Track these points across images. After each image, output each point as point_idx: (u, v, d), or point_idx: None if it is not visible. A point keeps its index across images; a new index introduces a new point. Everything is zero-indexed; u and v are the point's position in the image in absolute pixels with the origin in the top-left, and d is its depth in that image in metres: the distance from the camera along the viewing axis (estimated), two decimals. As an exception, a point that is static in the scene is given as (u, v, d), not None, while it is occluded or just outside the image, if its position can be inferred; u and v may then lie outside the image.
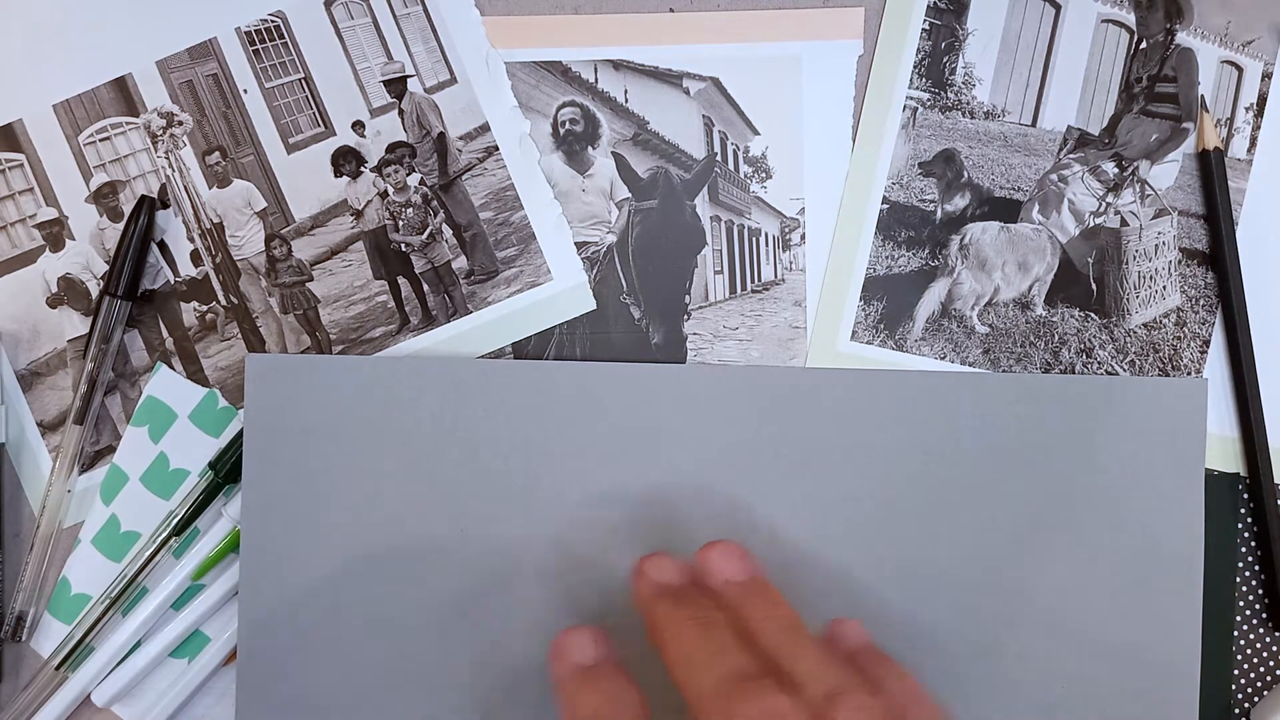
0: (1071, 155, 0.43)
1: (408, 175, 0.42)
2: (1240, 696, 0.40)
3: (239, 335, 0.42)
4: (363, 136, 0.42)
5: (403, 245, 0.42)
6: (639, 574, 0.32)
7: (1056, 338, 0.42)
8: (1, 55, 0.42)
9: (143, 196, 0.41)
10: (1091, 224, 0.42)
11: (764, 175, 0.42)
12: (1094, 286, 0.42)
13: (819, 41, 0.42)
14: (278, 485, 0.39)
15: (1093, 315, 0.42)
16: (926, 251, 0.42)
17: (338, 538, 0.39)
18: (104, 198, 0.42)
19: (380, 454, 0.39)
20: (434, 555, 0.39)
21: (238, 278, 0.42)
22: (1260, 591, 0.40)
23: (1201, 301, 0.42)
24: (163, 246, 0.42)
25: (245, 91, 0.42)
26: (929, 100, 0.43)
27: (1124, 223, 0.42)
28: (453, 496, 0.39)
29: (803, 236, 0.42)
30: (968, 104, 0.43)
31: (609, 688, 0.29)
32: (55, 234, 0.42)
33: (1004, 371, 0.41)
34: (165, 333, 0.42)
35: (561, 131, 0.43)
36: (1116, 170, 0.42)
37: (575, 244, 0.42)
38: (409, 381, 0.39)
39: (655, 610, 0.30)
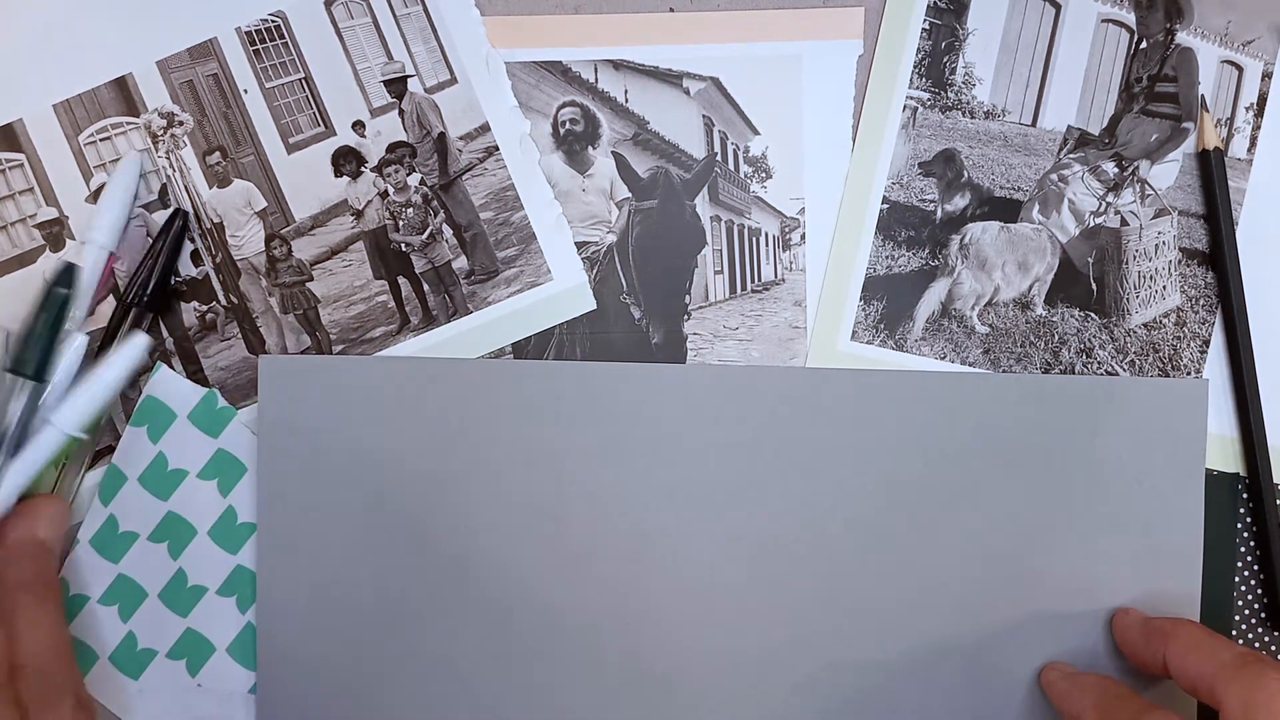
0: (1071, 155, 0.43)
1: (408, 175, 0.42)
2: (1240, 696, 0.40)
3: (239, 335, 0.42)
4: (363, 136, 0.42)
5: (403, 245, 0.42)
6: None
7: (1056, 338, 0.42)
8: (1, 55, 0.42)
9: (176, 209, 0.41)
10: (1091, 224, 0.42)
11: (764, 175, 0.42)
12: (1094, 286, 0.42)
13: (819, 41, 0.42)
14: (291, 483, 0.39)
15: (1093, 315, 0.42)
16: (926, 251, 0.42)
17: (349, 534, 0.39)
18: (104, 198, 0.42)
19: (390, 453, 0.39)
20: (440, 552, 0.39)
21: (238, 278, 0.42)
22: (1259, 591, 0.40)
23: (1201, 301, 0.42)
24: (163, 246, 0.42)
25: (245, 91, 0.42)
26: (929, 100, 0.43)
27: (1124, 222, 0.42)
28: (457, 494, 0.39)
29: (803, 236, 0.42)
30: (968, 104, 0.43)
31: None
32: (55, 234, 0.42)
33: (1004, 371, 0.41)
34: (165, 333, 0.42)
35: (561, 131, 0.43)
36: (1116, 170, 0.42)
37: (575, 244, 0.42)
38: (420, 382, 0.40)
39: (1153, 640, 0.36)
